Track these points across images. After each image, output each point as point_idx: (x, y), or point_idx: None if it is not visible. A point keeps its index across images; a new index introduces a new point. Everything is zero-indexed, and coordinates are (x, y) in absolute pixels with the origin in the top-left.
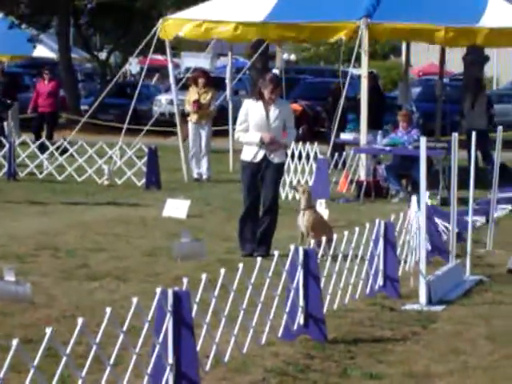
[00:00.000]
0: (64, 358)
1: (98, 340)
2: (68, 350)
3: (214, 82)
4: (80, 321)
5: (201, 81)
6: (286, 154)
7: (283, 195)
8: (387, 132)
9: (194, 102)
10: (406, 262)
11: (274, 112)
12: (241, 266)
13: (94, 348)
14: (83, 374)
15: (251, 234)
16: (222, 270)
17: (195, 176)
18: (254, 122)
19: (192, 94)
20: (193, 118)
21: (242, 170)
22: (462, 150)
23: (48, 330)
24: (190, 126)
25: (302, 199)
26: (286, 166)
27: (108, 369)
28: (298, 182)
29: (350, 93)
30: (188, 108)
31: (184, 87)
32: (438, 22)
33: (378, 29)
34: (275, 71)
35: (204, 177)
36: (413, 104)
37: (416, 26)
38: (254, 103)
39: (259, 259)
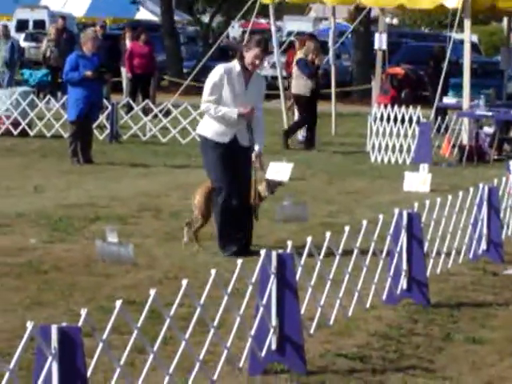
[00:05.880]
0: (167, 320)
1: (201, 302)
2: (171, 312)
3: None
4: (184, 282)
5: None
6: None
7: (379, 159)
8: (489, 97)
9: None
10: (508, 226)
11: (252, 84)
12: (347, 228)
13: (198, 310)
14: (186, 336)
15: (236, 228)
16: (328, 233)
17: (300, 139)
18: (230, 92)
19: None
20: None
21: (205, 148)
22: None
23: (152, 292)
24: None
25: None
26: (389, 129)
27: (211, 331)
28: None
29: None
30: None
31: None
32: None
33: None
34: (377, 35)
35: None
36: None
37: None
38: (232, 70)
39: (365, 222)
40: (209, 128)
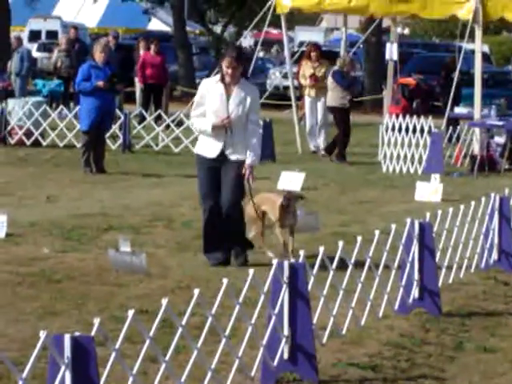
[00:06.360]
0: (180, 329)
1: (213, 311)
2: (184, 321)
3: (328, 56)
4: (196, 291)
5: (314, 54)
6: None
7: (391, 168)
8: (500, 106)
9: (311, 76)
10: None
11: (236, 95)
12: (359, 238)
13: (210, 319)
14: (198, 345)
15: (218, 241)
16: (341, 243)
17: (312, 149)
18: (211, 105)
19: (306, 68)
20: (311, 92)
21: (196, 165)
22: None
23: (164, 301)
24: (307, 100)
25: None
26: (401, 139)
27: (223, 340)
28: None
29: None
30: (304, 83)
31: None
32: None
33: (492, 5)
34: (389, 45)
35: (321, 149)
36: None
37: None
38: (213, 83)
39: (377, 232)
40: (198, 143)
